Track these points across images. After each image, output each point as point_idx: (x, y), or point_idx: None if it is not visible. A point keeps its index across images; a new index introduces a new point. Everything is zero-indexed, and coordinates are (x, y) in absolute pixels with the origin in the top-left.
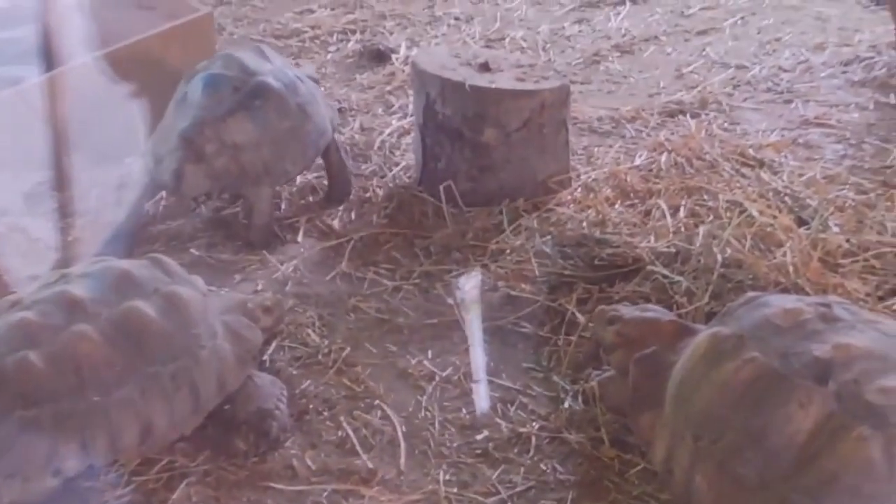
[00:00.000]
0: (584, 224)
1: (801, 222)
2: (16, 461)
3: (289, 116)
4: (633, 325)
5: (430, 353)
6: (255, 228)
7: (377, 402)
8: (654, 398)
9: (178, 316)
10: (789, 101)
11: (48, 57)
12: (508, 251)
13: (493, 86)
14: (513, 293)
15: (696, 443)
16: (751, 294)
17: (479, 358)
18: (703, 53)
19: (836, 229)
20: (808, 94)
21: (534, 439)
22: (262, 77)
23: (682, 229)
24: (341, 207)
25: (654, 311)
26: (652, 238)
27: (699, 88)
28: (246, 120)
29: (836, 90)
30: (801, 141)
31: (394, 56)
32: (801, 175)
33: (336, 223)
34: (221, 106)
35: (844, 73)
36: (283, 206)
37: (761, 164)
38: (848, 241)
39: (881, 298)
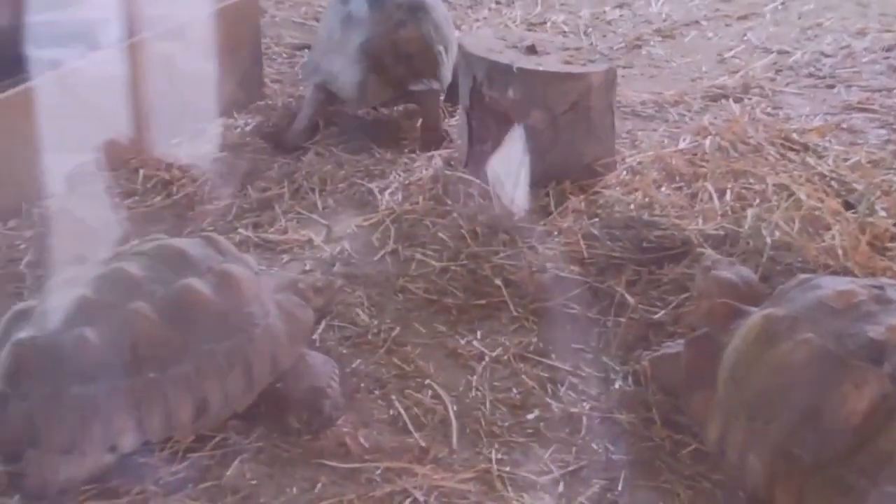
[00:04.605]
0: (632, 206)
1: (848, 206)
2: (72, 437)
3: (443, 26)
4: (708, 281)
5: (478, 333)
6: (428, 129)
7: (427, 381)
8: (706, 378)
9: (232, 294)
10: (832, 86)
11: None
12: (556, 233)
13: (541, 69)
14: (561, 275)
15: (751, 423)
16: (802, 276)
17: None
18: (745, 38)
19: (882, 213)
20: (850, 79)
21: (585, 419)
22: None
23: (730, 212)
24: (389, 189)
25: (739, 275)
26: (700, 220)
27: (741, 73)
28: (415, 30)
29: (878, 75)
30: (844, 126)
31: None
32: (845, 159)
33: (383, 204)
34: (391, 20)
35: (886, 58)
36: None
37: (806, 148)
38: (895, 225)
39: None
